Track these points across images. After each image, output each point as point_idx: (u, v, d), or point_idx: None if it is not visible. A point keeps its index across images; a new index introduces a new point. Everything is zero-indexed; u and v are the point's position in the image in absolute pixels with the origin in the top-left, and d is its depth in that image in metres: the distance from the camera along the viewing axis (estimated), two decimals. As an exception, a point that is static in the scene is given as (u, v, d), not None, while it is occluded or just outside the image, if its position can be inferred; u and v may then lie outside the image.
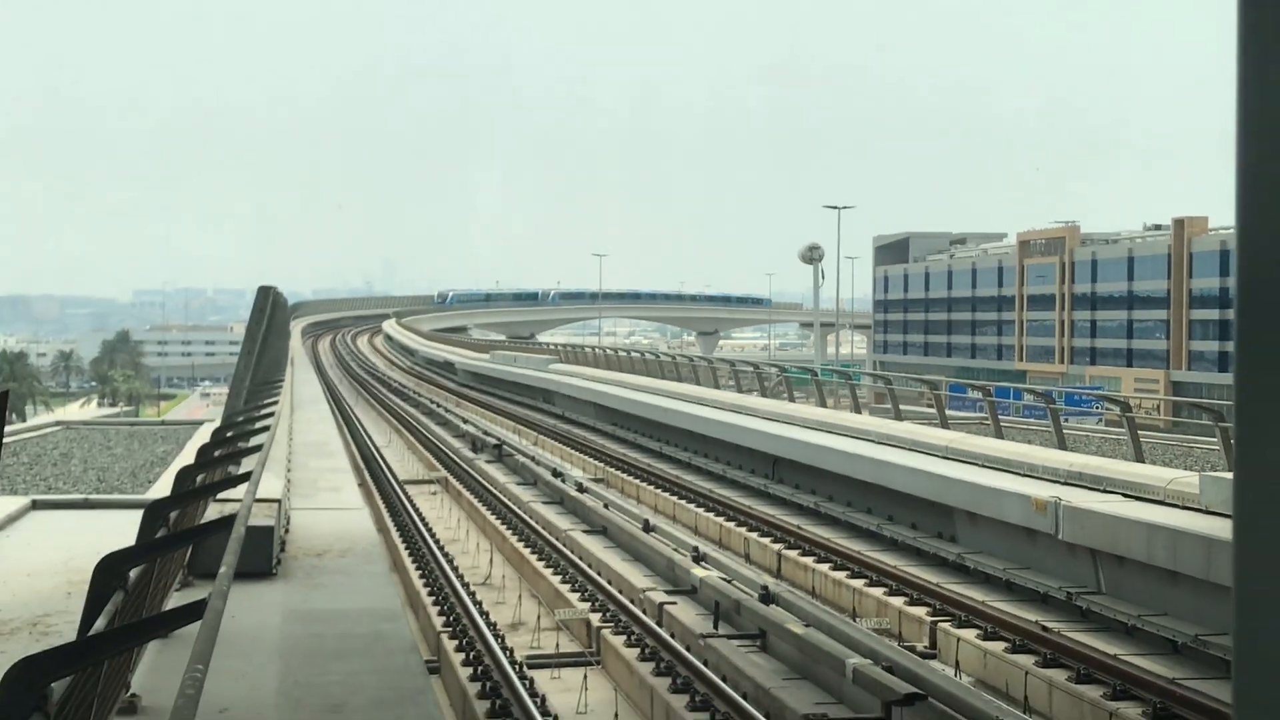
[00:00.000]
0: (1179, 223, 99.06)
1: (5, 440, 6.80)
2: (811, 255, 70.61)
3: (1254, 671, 1.57)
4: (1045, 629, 15.80)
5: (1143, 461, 22.81)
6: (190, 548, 11.97)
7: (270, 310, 40.03)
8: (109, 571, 7.06)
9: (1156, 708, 12.98)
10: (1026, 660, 15.02)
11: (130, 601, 7.43)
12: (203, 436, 28.68)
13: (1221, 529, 15.23)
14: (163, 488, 19.38)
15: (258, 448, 17.61)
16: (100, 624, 6.48)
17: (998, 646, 15.70)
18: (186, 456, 24.94)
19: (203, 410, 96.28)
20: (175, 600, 11.67)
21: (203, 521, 11.97)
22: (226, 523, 9.20)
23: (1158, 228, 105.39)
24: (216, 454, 15.91)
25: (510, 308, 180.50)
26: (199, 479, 12.74)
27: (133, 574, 7.63)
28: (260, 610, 12.67)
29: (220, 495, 13.46)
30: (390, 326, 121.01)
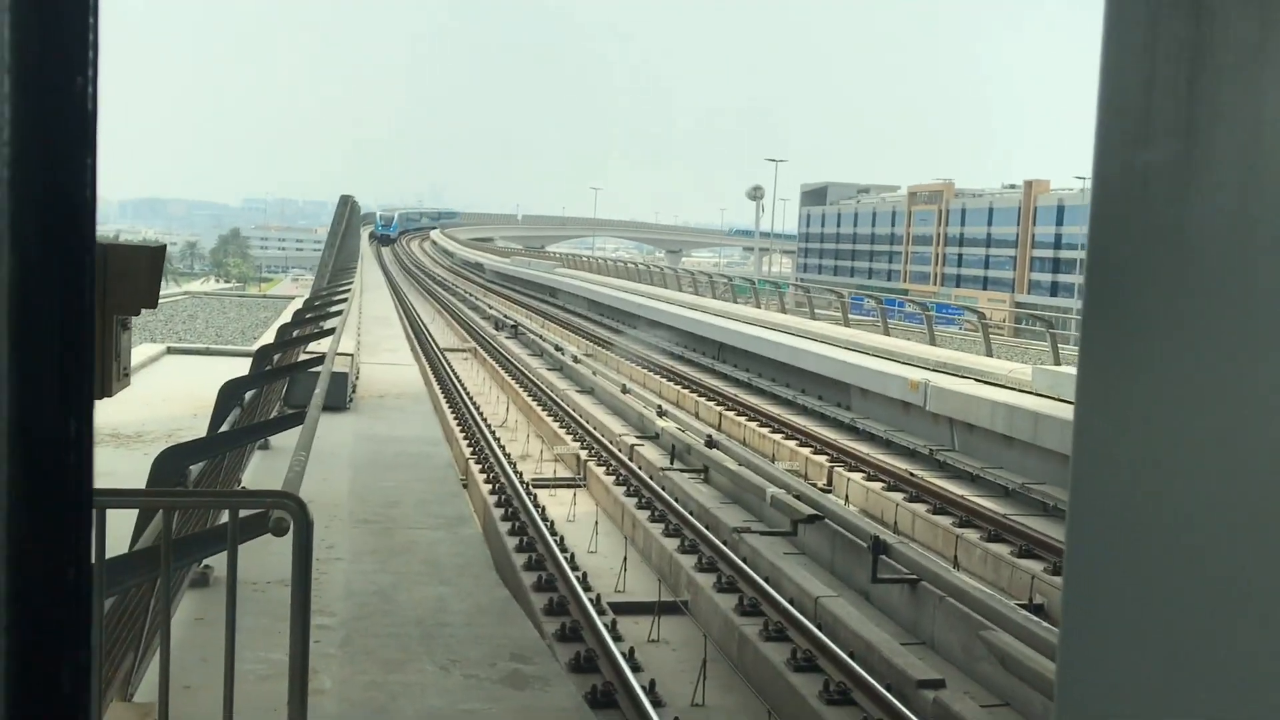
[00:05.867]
0: (1028, 183, 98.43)
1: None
2: (755, 194, 70.20)
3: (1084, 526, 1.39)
4: (912, 475, 16.02)
5: (991, 356, 22.95)
6: (287, 381, 12.01)
7: (348, 214, 39.60)
8: (230, 392, 7.09)
9: (990, 534, 13.25)
10: (897, 496, 15.24)
11: (244, 415, 7.47)
12: (295, 307, 28.52)
13: (1046, 406, 15.43)
14: (267, 340, 19.31)
15: (338, 313, 17.59)
16: (224, 428, 6.53)
17: (877, 486, 15.93)
18: (284, 319, 24.88)
19: (294, 290, 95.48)
20: (274, 422, 11.72)
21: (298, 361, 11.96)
22: (317, 360, 9.22)
23: (1012, 186, 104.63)
24: (308, 317, 15.89)
25: (531, 224, 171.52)
26: (294, 334, 12.74)
27: (247, 396, 7.67)
28: (338, 433, 12.74)
29: (309, 347, 13.47)
30: (436, 235, 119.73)
